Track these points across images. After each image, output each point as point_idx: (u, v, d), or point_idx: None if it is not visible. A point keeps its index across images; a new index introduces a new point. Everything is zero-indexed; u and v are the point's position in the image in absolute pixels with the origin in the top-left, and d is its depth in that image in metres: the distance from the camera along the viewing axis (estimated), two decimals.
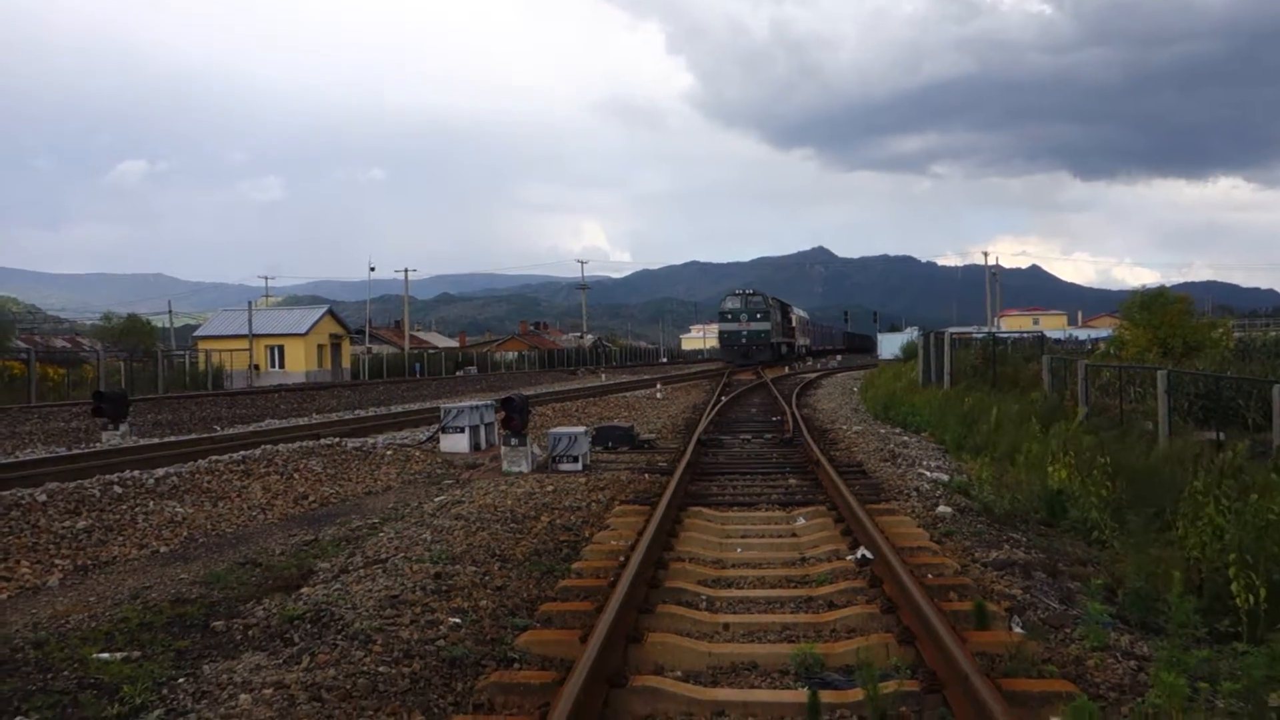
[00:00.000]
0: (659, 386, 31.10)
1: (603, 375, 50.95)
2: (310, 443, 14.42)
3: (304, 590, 6.38)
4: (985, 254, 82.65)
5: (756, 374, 41.53)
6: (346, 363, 61.30)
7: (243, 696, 4.31)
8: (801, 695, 4.22)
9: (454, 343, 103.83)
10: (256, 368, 53.84)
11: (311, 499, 10.75)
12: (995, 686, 3.88)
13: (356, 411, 25.47)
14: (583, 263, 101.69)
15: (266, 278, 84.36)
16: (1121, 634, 5.25)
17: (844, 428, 17.23)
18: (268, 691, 4.36)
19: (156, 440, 16.44)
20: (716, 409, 21.13)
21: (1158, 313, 23.88)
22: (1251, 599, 5.38)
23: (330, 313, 61.06)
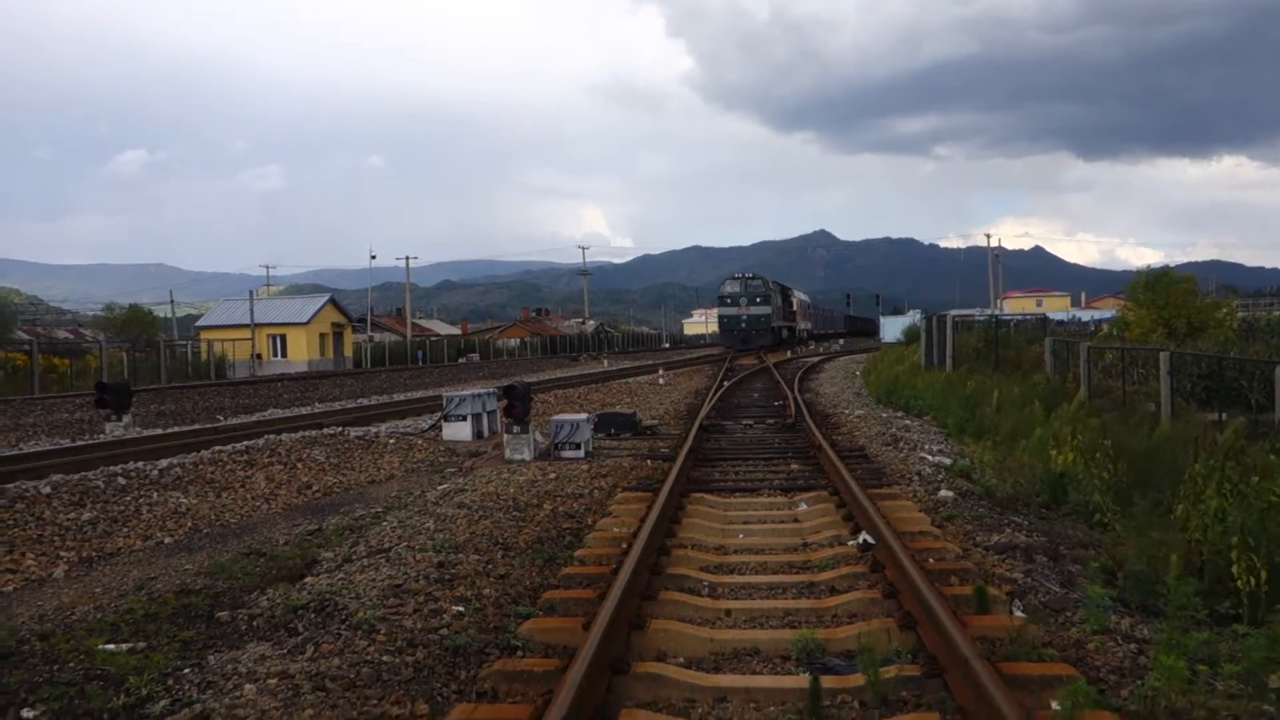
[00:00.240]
0: (661, 372, 31.11)
1: (605, 361, 50.96)
2: (313, 432, 14.45)
3: (308, 580, 6.41)
4: (988, 236, 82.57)
5: (759, 359, 41.53)
6: (349, 351, 61.37)
7: (248, 687, 4.34)
8: (803, 680, 4.24)
9: (456, 330, 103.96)
10: (259, 357, 53.91)
11: (315, 488, 10.78)
12: (995, 670, 3.90)
13: (359, 400, 25.52)
14: (584, 248, 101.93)
15: (268, 267, 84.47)
16: (1122, 617, 5.27)
17: (846, 412, 17.24)
18: (272, 682, 4.38)
19: (160, 431, 16.48)
20: (719, 394, 21.14)
21: (1162, 293, 23.86)
22: (1252, 581, 5.39)
23: (332, 301, 61.13)
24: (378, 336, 73.07)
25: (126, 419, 17.06)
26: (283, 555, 7.35)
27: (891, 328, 58.44)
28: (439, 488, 10.17)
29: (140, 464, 11.05)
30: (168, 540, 8.30)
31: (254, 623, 5.55)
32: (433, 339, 76.39)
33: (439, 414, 15.23)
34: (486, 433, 14.63)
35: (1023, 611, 5.23)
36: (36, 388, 32.21)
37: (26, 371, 34.21)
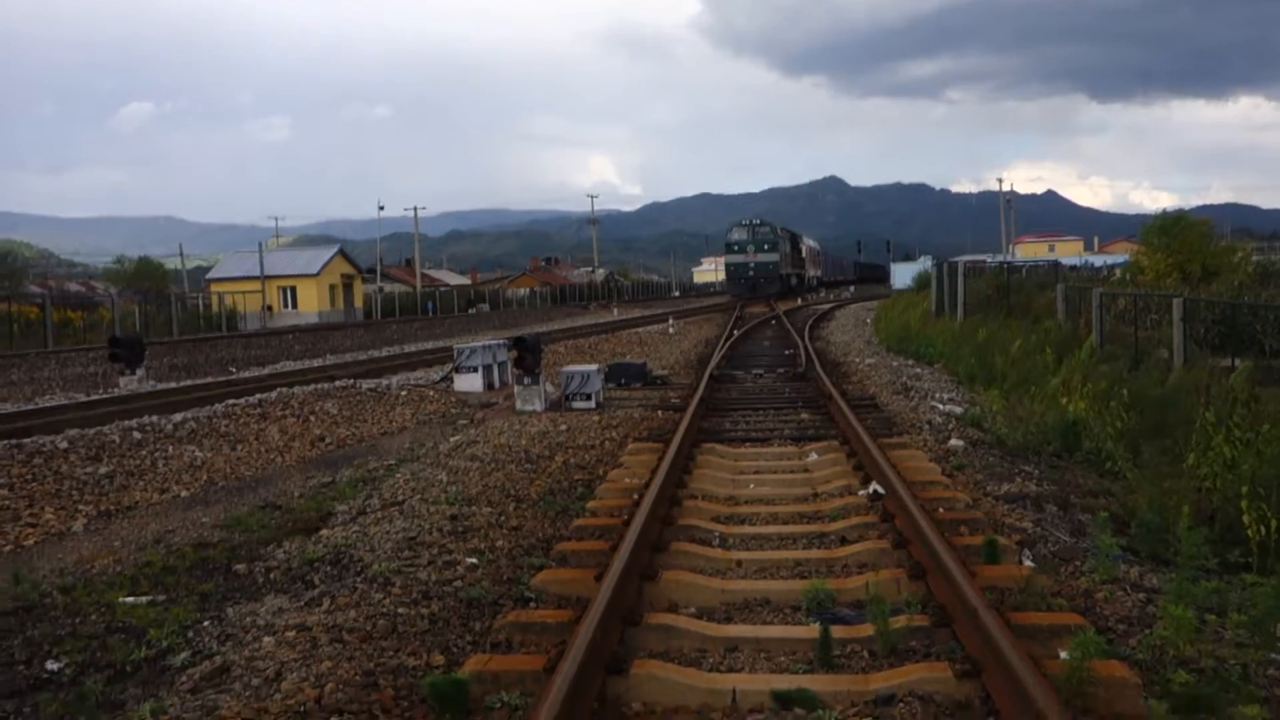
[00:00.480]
0: (671, 321, 31.06)
1: (615, 310, 50.88)
2: (325, 385, 14.53)
3: (323, 533, 6.49)
4: (1000, 180, 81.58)
5: (769, 306, 41.40)
6: (359, 302, 61.40)
7: (266, 639, 4.42)
8: (813, 630, 4.29)
9: (465, 280, 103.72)
10: (269, 309, 54.04)
11: (328, 441, 10.87)
12: (1004, 620, 3.92)
13: (370, 352, 25.61)
14: (593, 197, 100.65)
15: (276, 218, 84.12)
16: (1131, 566, 5.30)
17: (857, 360, 17.22)
18: (290, 634, 4.46)
19: (173, 384, 16.60)
20: (729, 343, 21.12)
21: (1176, 237, 23.55)
22: (1263, 530, 5.40)
23: (341, 252, 60.98)
24: (387, 287, 73.03)
25: (140, 372, 17.17)
26: (298, 508, 7.43)
27: (903, 274, 57.89)
28: (451, 439, 10.24)
29: (155, 418, 11.14)
30: (184, 494, 8.40)
31: (271, 575, 5.64)
32: (442, 289, 76.33)
33: (450, 366, 15.27)
34: (498, 384, 14.68)
35: (1032, 561, 5.26)
36: (50, 341, 32.40)
37: (40, 325, 34.39)
